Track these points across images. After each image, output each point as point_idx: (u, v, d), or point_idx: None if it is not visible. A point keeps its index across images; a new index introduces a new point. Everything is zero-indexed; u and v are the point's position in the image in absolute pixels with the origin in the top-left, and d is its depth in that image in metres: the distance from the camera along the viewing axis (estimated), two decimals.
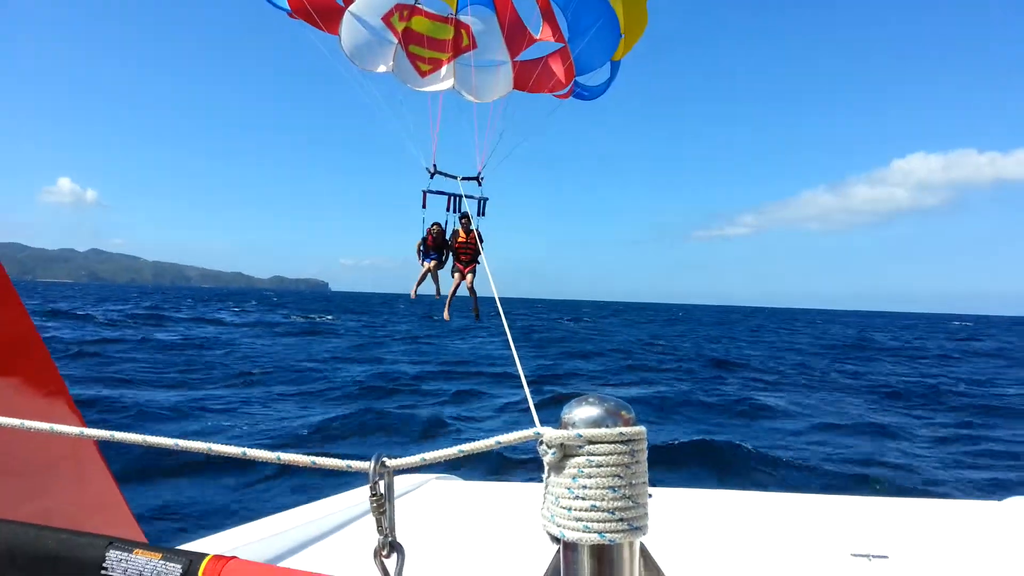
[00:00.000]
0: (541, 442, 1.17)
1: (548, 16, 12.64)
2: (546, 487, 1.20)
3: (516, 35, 13.04)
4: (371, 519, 1.83)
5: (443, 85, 13.27)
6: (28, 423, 1.40)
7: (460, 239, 15.46)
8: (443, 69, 13.15)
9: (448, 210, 15.28)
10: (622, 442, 1.15)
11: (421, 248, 15.57)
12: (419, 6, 12.85)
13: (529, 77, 13.12)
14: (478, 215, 13.46)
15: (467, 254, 15.47)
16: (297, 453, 1.28)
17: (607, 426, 1.15)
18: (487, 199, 14.35)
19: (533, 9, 12.71)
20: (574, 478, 1.15)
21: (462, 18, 13.07)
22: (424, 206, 15.08)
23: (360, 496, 3.24)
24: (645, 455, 1.18)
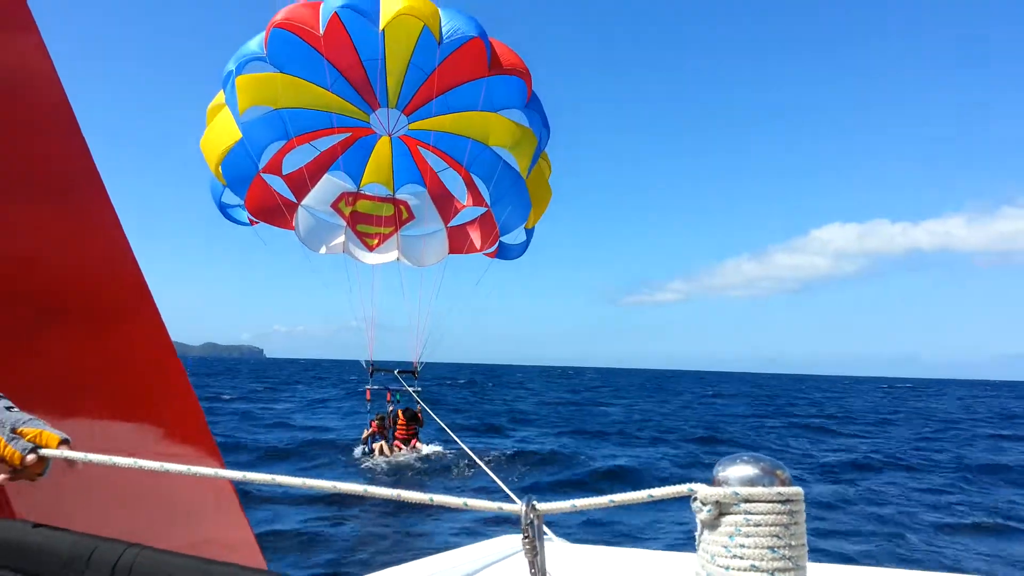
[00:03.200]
0: (695, 499, 1.15)
1: (471, 186, 14.93)
2: (699, 544, 1.17)
3: (445, 205, 15.31)
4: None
5: (389, 256, 15.41)
6: (168, 465, 1.44)
7: (401, 423, 19.32)
8: (388, 241, 15.29)
9: (388, 401, 18.77)
10: (780, 502, 1.12)
11: (367, 437, 19.47)
12: (362, 192, 15.02)
13: (463, 240, 15.35)
14: (417, 404, 15.92)
15: (406, 434, 19.19)
16: (448, 495, 1.30)
17: (764, 485, 1.13)
18: (420, 390, 17.34)
19: (457, 180, 14.98)
20: (731, 536, 1.12)
21: (399, 196, 15.30)
22: (368, 399, 18.43)
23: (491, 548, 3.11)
24: (803, 516, 1.14)
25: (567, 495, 14.34)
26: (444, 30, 12.04)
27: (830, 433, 31.65)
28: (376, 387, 18.23)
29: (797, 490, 1.16)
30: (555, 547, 3.08)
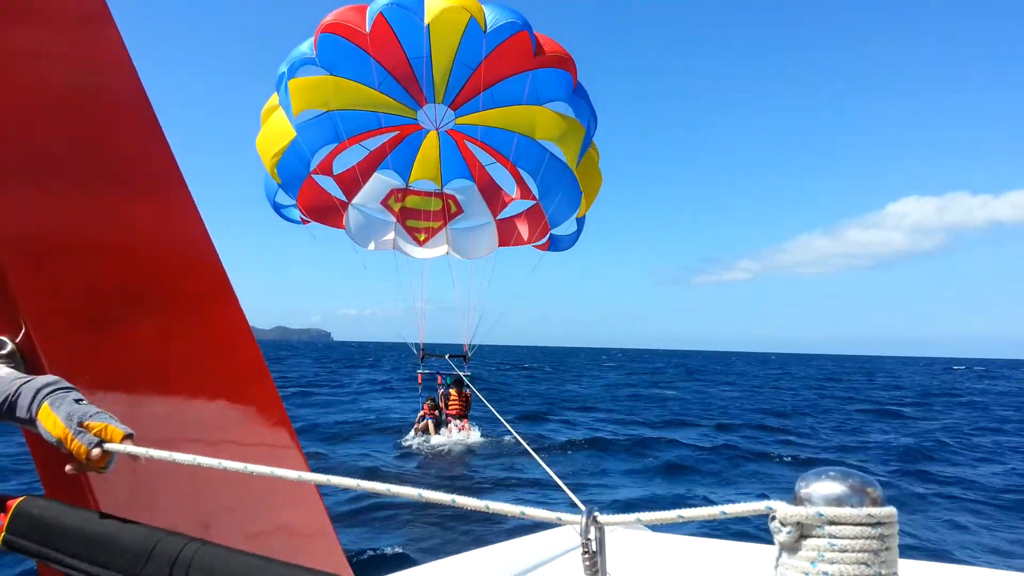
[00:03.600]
0: (773, 518, 1.04)
1: (518, 179, 14.95)
2: (777, 567, 1.06)
3: (494, 198, 15.37)
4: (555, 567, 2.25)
5: (439, 251, 15.60)
6: (251, 467, 1.44)
7: (452, 399, 19.48)
8: (438, 236, 15.49)
9: (440, 384, 19.11)
10: (870, 524, 1.01)
11: (420, 419, 19.81)
12: (410, 188, 15.22)
13: (511, 232, 15.42)
14: (467, 387, 16.13)
15: (458, 410, 19.33)
16: (505, 502, 1.26)
17: (852, 505, 1.02)
18: (471, 375, 17.60)
19: (505, 173, 15.01)
20: (813, 563, 1.02)
21: (447, 191, 15.45)
22: (420, 383, 18.86)
23: (545, 540, 3.05)
24: (896, 540, 1.03)
25: (622, 490, 14.15)
26: (489, 22, 12.11)
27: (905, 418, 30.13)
28: (427, 371, 18.74)
29: (890, 511, 1.05)
30: (617, 535, 2.98)
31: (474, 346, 17.88)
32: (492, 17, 12.03)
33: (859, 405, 36.61)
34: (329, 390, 39.48)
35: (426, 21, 11.91)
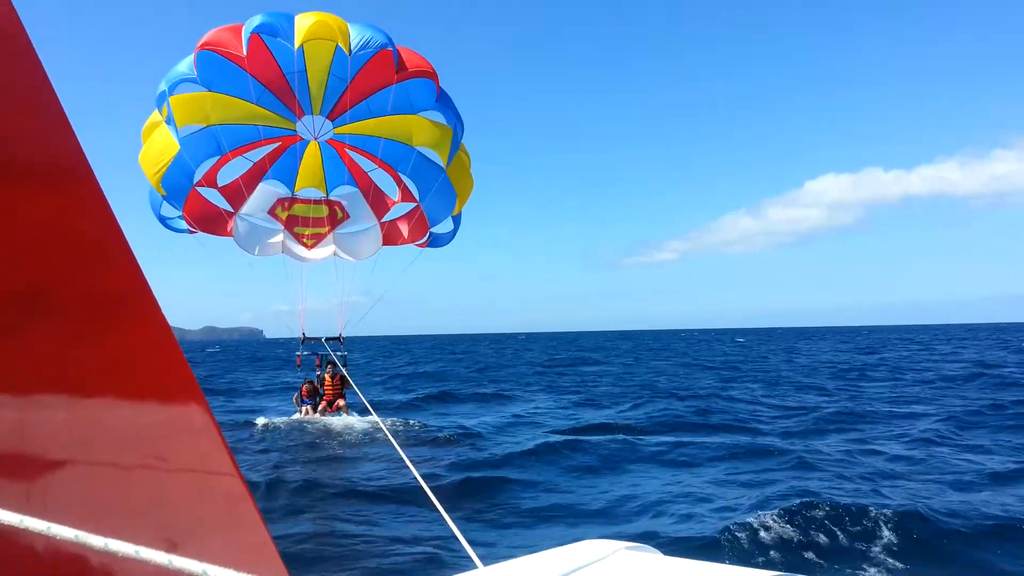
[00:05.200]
0: None
1: (399, 183, 16.06)
2: None
3: (378, 202, 16.43)
4: None
5: (326, 252, 16.58)
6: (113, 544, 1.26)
7: (327, 384, 20.73)
8: (324, 240, 16.41)
9: (318, 365, 20.39)
10: None
11: (297, 399, 21.03)
12: (296, 197, 16.12)
13: (395, 233, 16.55)
14: (343, 366, 17.24)
15: (333, 394, 20.75)
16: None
17: None
18: (347, 354, 19.70)
19: (387, 178, 16.06)
20: None
21: (333, 197, 16.40)
22: (299, 366, 20.22)
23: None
24: None
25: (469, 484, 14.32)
26: (354, 44, 13.05)
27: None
28: (306, 352, 20.17)
29: None
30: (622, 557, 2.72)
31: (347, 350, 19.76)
32: (356, 39, 13.03)
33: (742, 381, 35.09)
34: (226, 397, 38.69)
35: (295, 46, 12.81)
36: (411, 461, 5.77)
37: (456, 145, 15.18)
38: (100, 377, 2.24)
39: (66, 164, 2.17)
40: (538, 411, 23.87)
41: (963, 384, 30.33)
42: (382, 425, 10.92)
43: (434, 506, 4.61)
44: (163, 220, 14.97)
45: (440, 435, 18.04)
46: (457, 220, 16.51)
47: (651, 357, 64.01)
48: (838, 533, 9.33)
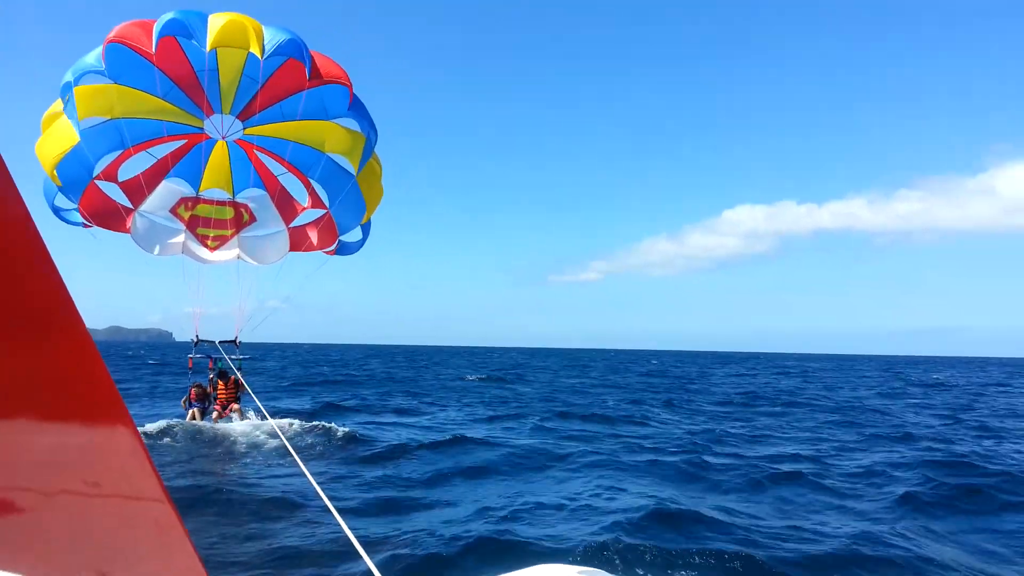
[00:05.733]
0: None
1: (309, 189, 16.00)
2: None
3: (286, 207, 16.32)
4: None
5: (229, 255, 16.33)
6: None
7: (220, 388, 20.40)
8: (228, 243, 16.17)
9: (211, 368, 20.00)
10: None
11: (186, 402, 20.61)
12: (201, 197, 15.83)
13: (303, 239, 16.46)
14: (239, 370, 17.05)
15: (227, 398, 20.42)
16: None
17: None
18: (244, 358, 19.50)
19: (297, 183, 15.99)
20: None
21: (239, 200, 16.18)
22: (191, 368, 19.76)
23: None
24: None
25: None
26: (267, 48, 13.05)
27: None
28: (199, 356, 19.76)
29: None
30: None
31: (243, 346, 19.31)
32: (270, 43, 13.04)
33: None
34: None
35: (207, 48, 12.72)
36: (303, 462, 5.86)
37: (368, 153, 15.31)
38: (18, 397, 2.04)
39: None
40: (448, 421, 24.12)
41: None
42: (276, 429, 11.13)
43: (327, 507, 4.51)
44: (57, 211, 14.48)
45: (335, 440, 18.34)
46: (366, 229, 16.59)
47: (569, 374, 65.11)
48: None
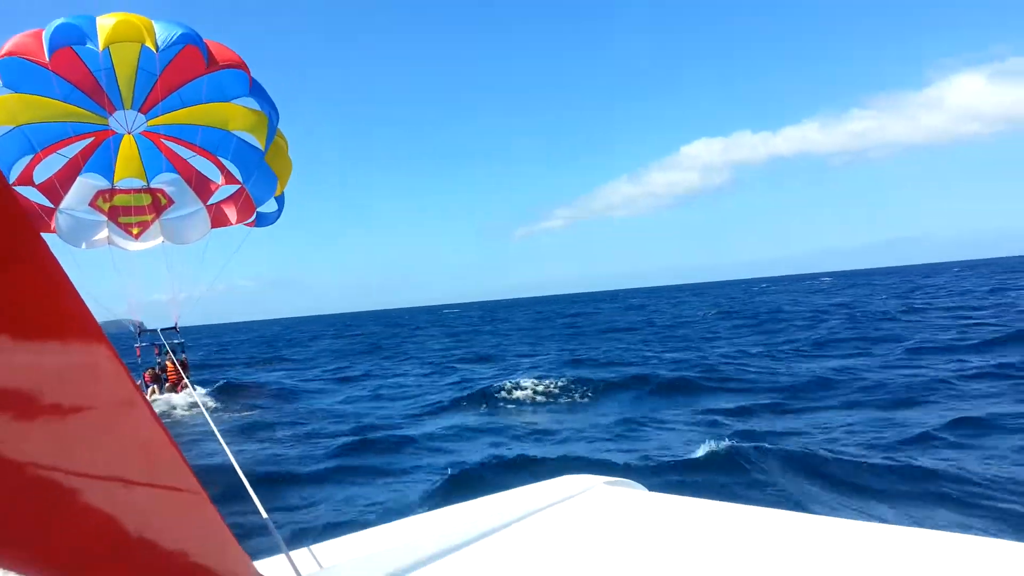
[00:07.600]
0: None
1: (221, 167, 17.09)
2: None
3: (201, 186, 17.39)
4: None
5: (154, 241, 17.43)
6: None
7: (170, 370, 22.33)
8: (151, 229, 17.24)
9: (157, 354, 21.53)
10: None
11: (140, 385, 22.17)
12: (117, 188, 16.83)
13: (222, 216, 17.55)
14: (181, 353, 18.55)
15: (177, 378, 22.28)
16: None
17: None
18: (183, 342, 20.62)
19: (208, 164, 17.05)
20: None
21: (154, 186, 17.22)
22: (139, 356, 21.26)
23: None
24: None
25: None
26: (160, 41, 13.97)
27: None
28: (145, 344, 21.35)
29: None
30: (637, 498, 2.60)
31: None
32: (162, 36, 13.95)
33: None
34: None
35: (100, 49, 13.63)
36: (223, 437, 5.85)
37: (273, 132, 16.43)
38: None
39: None
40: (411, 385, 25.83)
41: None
42: (203, 409, 12.45)
43: (242, 482, 4.12)
44: None
45: (265, 414, 20.31)
46: (281, 200, 17.78)
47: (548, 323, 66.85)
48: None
